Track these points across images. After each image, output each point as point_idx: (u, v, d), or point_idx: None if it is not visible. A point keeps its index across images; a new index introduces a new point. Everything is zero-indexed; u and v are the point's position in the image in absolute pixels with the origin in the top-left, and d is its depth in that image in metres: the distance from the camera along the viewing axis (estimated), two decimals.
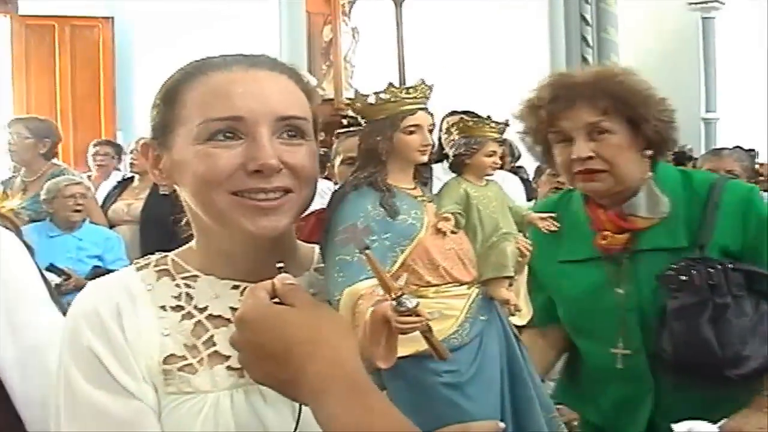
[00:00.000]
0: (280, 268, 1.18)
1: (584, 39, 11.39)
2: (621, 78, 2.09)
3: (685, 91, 14.35)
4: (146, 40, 9.65)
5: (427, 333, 1.20)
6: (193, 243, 1.41)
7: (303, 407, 1.13)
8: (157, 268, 1.38)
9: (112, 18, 9.81)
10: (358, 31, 10.69)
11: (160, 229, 5.30)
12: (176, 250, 1.42)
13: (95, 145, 7.25)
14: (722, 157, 4.41)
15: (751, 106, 11.93)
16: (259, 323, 1.12)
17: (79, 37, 9.73)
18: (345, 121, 9.16)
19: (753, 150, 7.68)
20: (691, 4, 13.25)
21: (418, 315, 1.15)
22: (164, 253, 1.42)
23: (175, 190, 1.41)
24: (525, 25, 11.31)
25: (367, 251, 1.18)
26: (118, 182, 6.37)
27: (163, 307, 1.32)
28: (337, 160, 3.17)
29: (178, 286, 1.35)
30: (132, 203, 5.84)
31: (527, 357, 1.47)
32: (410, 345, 1.23)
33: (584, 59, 11.32)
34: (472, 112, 4.11)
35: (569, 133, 2.08)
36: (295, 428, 1.18)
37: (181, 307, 1.32)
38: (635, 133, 2.08)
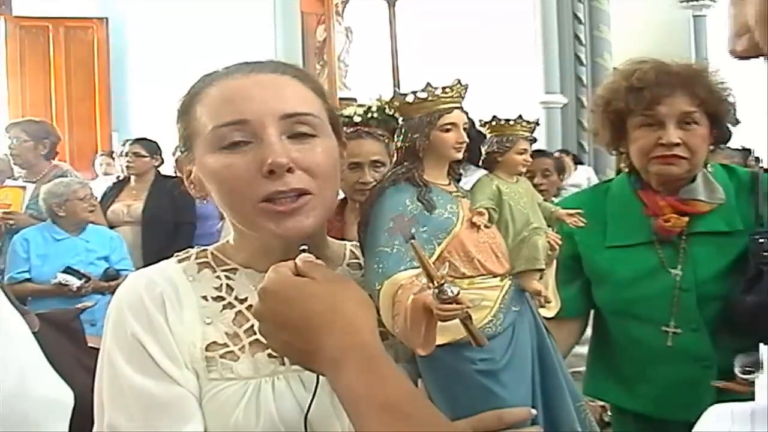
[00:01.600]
0: (303, 249, 1.23)
1: (577, 37, 11.46)
2: (712, 76, 2.27)
3: None
4: (140, 41, 9.68)
5: (466, 320, 1.23)
6: (230, 239, 1.45)
7: (321, 380, 1.18)
8: (198, 261, 1.42)
9: (106, 18, 9.83)
10: (352, 30, 10.73)
11: (161, 230, 5.36)
12: (215, 245, 1.47)
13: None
14: (714, 153, 4.43)
15: (741, 103, 11.97)
16: (281, 294, 1.16)
17: (73, 38, 9.75)
18: None
19: (746, 148, 7.74)
20: (682, 2, 13.33)
21: (458, 303, 1.19)
22: (204, 247, 1.47)
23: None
24: (518, 24, 11.36)
25: (413, 240, 1.22)
26: (114, 183, 6.38)
27: (204, 297, 1.36)
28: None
29: (218, 278, 1.39)
30: (131, 204, 5.86)
31: (555, 347, 1.51)
32: (447, 333, 1.27)
33: (577, 57, 11.39)
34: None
35: (661, 119, 2.22)
36: (311, 399, 1.23)
37: (222, 298, 1.37)
38: (713, 127, 2.27)
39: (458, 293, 1.18)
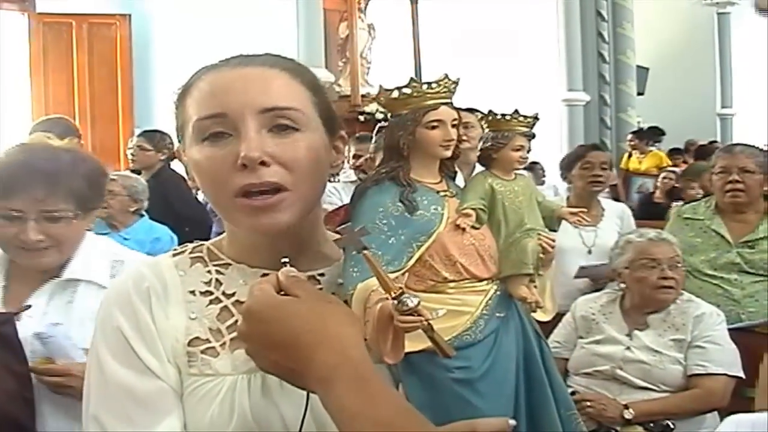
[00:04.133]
0: (285, 262, 1.22)
1: (600, 35, 11.39)
2: None
3: (701, 87, 14.34)
4: (163, 37, 9.72)
5: (428, 331, 1.19)
6: (226, 233, 1.45)
7: (311, 395, 1.16)
8: (192, 255, 1.42)
9: (129, 15, 9.87)
10: (374, 27, 10.72)
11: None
12: (212, 240, 1.47)
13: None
14: (735, 154, 4.24)
15: (766, 101, 11.87)
16: (266, 314, 1.15)
17: (97, 35, 9.79)
18: (362, 118, 9.23)
19: None
20: None
21: (419, 314, 1.16)
22: (201, 242, 1.46)
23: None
24: (541, 22, 11.31)
25: (365, 251, 1.19)
26: None
27: (192, 292, 1.36)
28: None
29: (209, 272, 1.39)
30: None
31: (547, 354, 1.47)
32: (422, 340, 1.23)
33: (600, 55, 11.32)
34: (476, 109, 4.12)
35: None
36: (304, 415, 1.21)
37: (210, 293, 1.37)
38: None
39: (418, 304, 1.15)
